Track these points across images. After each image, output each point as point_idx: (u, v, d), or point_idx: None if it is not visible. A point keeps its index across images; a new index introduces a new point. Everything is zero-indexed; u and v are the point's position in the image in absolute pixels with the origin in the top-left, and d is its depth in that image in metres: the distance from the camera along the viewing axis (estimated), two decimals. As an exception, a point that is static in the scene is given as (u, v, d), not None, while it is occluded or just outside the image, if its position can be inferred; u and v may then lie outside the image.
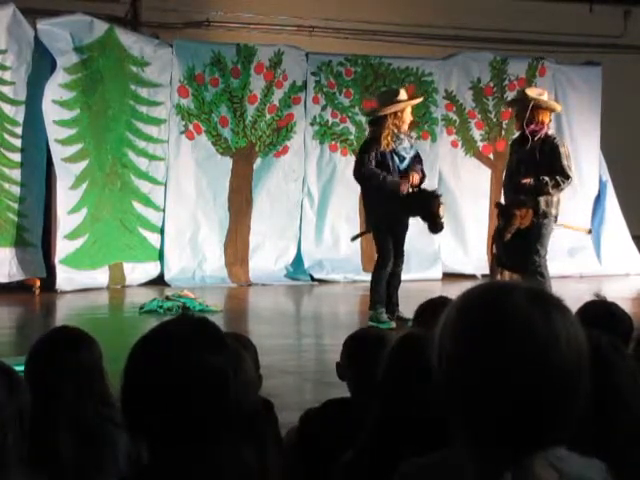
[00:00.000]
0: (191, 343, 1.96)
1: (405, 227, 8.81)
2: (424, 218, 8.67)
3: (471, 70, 12.80)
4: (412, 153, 8.80)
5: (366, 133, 9.85)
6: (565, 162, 8.37)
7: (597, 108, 13.22)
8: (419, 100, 9.69)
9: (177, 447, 1.92)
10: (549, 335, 1.52)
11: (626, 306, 4.20)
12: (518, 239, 8.33)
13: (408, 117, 8.76)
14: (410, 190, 8.61)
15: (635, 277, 12.86)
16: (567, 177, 8.36)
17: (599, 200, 13.33)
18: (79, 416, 2.98)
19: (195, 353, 1.95)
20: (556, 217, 8.50)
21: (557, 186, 8.33)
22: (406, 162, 8.71)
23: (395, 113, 8.61)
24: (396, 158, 8.63)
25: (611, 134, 13.13)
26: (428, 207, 8.54)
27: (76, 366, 3.01)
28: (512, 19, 12.95)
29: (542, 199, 8.36)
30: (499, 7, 13.02)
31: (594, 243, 13.24)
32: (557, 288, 8.28)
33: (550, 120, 8.82)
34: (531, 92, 8.67)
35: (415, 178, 8.63)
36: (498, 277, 8.64)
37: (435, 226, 8.69)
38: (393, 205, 8.54)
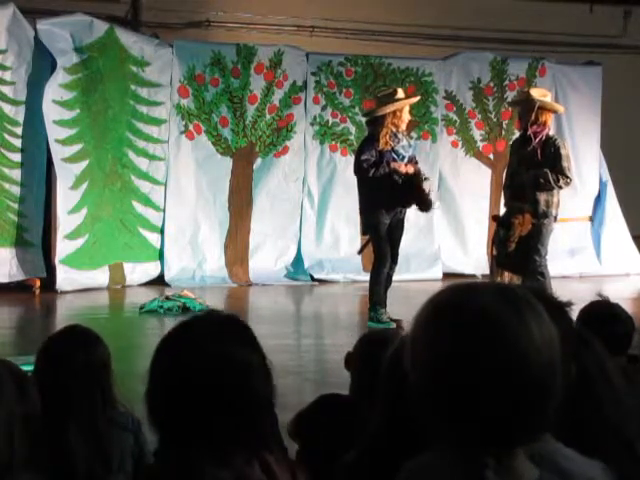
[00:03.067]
0: (221, 339, 1.95)
1: (402, 230, 8.81)
2: (413, 199, 8.65)
3: (471, 70, 12.80)
4: (411, 152, 8.80)
5: (366, 133, 9.83)
6: (565, 164, 8.41)
7: (597, 108, 13.22)
8: (416, 99, 9.67)
9: (200, 446, 1.90)
10: (524, 334, 1.51)
11: (626, 306, 4.20)
12: (519, 241, 8.36)
13: (406, 116, 8.76)
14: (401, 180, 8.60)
15: (635, 277, 12.86)
16: (567, 177, 8.40)
17: (599, 200, 13.33)
18: (88, 416, 2.96)
19: (225, 349, 1.93)
20: (556, 217, 8.53)
21: (557, 182, 8.37)
22: (405, 161, 8.72)
23: (394, 112, 8.62)
24: (395, 157, 8.63)
25: (611, 134, 13.13)
26: (413, 187, 8.53)
27: (86, 366, 2.99)
28: (512, 19, 12.94)
29: (542, 200, 8.38)
30: (499, 7, 13.02)
31: (594, 243, 13.24)
32: (557, 288, 8.28)
33: (551, 121, 8.86)
34: (536, 93, 8.70)
35: (409, 168, 8.63)
36: (498, 278, 8.66)
37: (424, 203, 8.65)
38: (392, 202, 8.54)
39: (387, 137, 8.58)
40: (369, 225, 8.75)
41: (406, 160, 8.72)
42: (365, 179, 8.65)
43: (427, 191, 8.61)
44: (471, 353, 1.50)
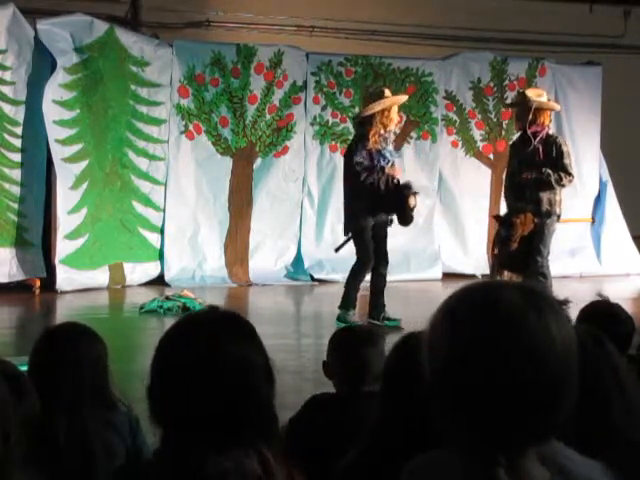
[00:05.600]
0: (220, 336, 1.95)
1: (386, 230, 8.76)
2: (395, 210, 8.61)
3: (471, 70, 12.80)
4: (395, 158, 8.77)
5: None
6: (567, 161, 8.42)
7: (597, 108, 13.22)
8: (404, 97, 9.55)
9: (199, 439, 1.90)
10: (543, 333, 1.51)
11: (626, 306, 4.20)
12: (521, 241, 8.36)
13: (395, 116, 8.73)
14: (389, 185, 8.57)
15: (635, 277, 12.85)
16: (569, 174, 8.40)
17: (599, 200, 13.33)
18: (77, 415, 2.92)
19: (224, 346, 1.93)
20: (559, 216, 8.52)
21: (559, 181, 8.36)
22: (389, 165, 8.70)
23: (382, 111, 8.59)
24: (381, 159, 8.62)
25: (611, 134, 13.12)
26: (399, 198, 8.50)
27: (75, 364, 2.95)
28: (512, 19, 12.94)
29: (545, 199, 8.37)
30: (499, 7, 13.01)
31: (594, 243, 13.24)
32: (557, 288, 8.28)
33: (550, 120, 8.87)
34: (531, 93, 8.70)
35: (398, 172, 8.63)
36: (498, 277, 8.66)
37: (404, 217, 8.61)
38: (376, 208, 8.51)
39: (377, 137, 8.56)
40: (353, 229, 8.73)
41: (389, 164, 8.69)
42: (351, 181, 8.63)
43: (412, 206, 8.53)
44: (489, 352, 1.50)
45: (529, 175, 8.36)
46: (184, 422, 1.91)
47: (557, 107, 9.55)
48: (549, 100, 9.33)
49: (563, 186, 8.46)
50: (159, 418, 1.96)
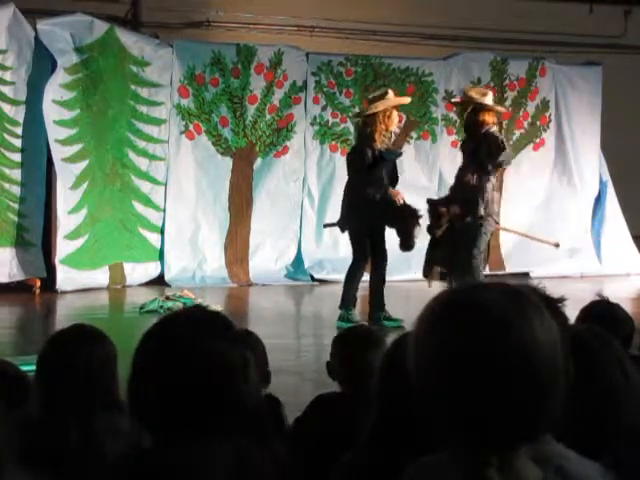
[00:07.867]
0: (201, 330, 1.96)
1: (382, 228, 8.76)
2: (398, 232, 8.65)
3: (471, 70, 12.80)
4: (395, 158, 8.81)
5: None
6: (484, 157, 8.39)
7: (597, 108, 13.22)
8: (407, 99, 9.64)
9: (178, 435, 1.91)
10: (526, 334, 1.51)
11: (626, 306, 4.20)
12: (450, 236, 8.37)
13: (396, 116, 8.78)
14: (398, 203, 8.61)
15: (635, 277, 12.85)
16: (484, 170, 8.40)
17: (599, 200, 13.32)
18: (87, 417, 2.93)
19: (205, 340, 1.94)
20: (490, 215, 8.48)
21: (477, 180, 8.39)
22: (389, 165, 8.72)
23: (384, 111, 8.62)
24: (383, 159, 8.66)
25: (611, 134, 13.12)
26: (405, 223, 8.53)
27: (88, 366, 2.95)
28: (512, 19, 12.94)
29: (474, 199, 8.38)
30: (499, 7, 13.02)
31: (594, 243, 13.24)
32: (557, 288, 8.25)
33: (495, 121, 8.85)
34: (474, 93, 8.72)
35: (400, 197, 8.63)
36: (429, 273, 8.68)
37: (406, 244, 8.64)
38: (376, 211, 8.53)
39: (381, 136, 8.61)
40: (349, 227, 8.78)
41: (390, 164, 8.72)
42: (356, 181, 8.66)
43: (416, 236, 8.57)
44: (474, 352, 1.50)
45: (467, 179, 8.43)
46: (161, 416, 1.92)
47: (500, 109, 9.57)
48: (496, 104, 9.29)
49: (481, 183, 8.41)
50: (137, 414, 1.97)
